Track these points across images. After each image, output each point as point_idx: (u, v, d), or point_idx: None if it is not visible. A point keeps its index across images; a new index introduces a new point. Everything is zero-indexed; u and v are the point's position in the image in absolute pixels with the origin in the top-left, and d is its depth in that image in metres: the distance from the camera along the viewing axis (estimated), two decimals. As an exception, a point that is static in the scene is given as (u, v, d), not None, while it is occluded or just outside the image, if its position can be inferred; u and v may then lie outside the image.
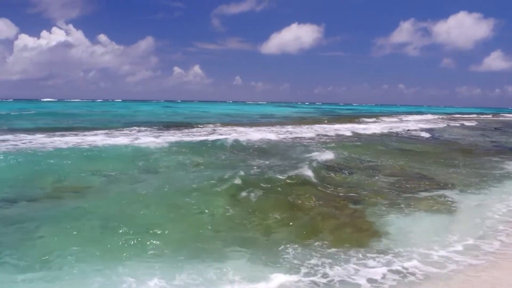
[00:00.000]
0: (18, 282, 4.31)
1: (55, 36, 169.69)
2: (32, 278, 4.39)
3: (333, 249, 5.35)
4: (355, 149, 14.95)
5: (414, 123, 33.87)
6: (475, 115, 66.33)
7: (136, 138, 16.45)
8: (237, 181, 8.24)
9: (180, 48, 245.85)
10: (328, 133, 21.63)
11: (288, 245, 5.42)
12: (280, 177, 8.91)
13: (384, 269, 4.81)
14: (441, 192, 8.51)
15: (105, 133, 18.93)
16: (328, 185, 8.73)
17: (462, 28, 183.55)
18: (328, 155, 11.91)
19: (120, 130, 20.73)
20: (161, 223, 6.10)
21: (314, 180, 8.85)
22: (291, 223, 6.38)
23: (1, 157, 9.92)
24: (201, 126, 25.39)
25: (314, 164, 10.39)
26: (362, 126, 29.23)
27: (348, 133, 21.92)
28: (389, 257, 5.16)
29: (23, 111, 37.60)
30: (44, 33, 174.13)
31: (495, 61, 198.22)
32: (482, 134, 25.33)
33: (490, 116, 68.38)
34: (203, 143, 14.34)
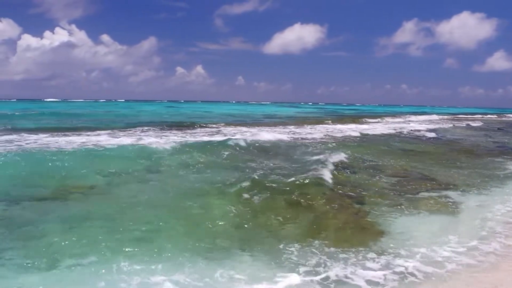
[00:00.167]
0: (22, 280, 4.34)
1: (58, 36, 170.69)
2: (36, 276, 4.42)
3: (336, 249, 5.37)
4: (362, 150, 14.95)
5: (419, 124, 33.74)
6: (480, 116, 66.03)
7: (140, 139, 16.47)
8: (244, 181, 8.29)
9: (182, 48, 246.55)
10: (335, 134, 21.62)
11: (291, 245, 5.45)
12: (288, 178, 8.98)
13: (385, 269, 4.83)
14: (444, 192, 8.52)
15: (109, 133, 18.99)
16: (335, 185, 8.77)
17: (465, 28, 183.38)
18: (337, 156, 11.88)
19: (125, 130, 20.77)
20: (166, 223, 6.14)
21: (322, 180, 8.84)
22: (295, 223, 6.42)
23: (6, 157, 9.99)
24: (207, 126, 25.40)
25: (323, 165, 10.39)
26: (367, 126, 29.20)
27: (356, 134, 21.92)
28: (390, 257, 5.17)
29: (27, 111, 37.75)
30: (47, 33, 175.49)
31: (498, 61, 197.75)
32: (487, 135, 25.24)
33: (495, 116, 68.09)
34: (210, 143, 14.25)
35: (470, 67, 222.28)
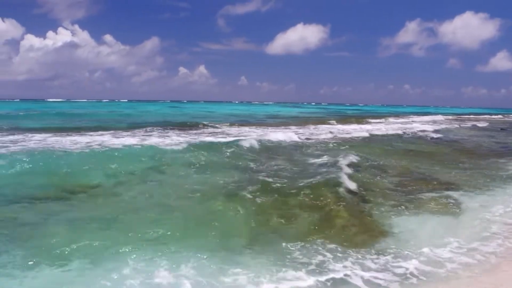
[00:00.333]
0: (28, 279, 4.38)
1: (61, 36, 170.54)
2: (41, 273, 4.47)
3: (339, 248, 5.39)
4: (369, 150, 14.93)
5: (423, 124, 33.52)
6: (485, 116, 65.72)
7: (145, 139, 16.41)
8: (252, 182, 8.34)
9: (185, 48, 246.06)
10: (341, 135, 21.52)
11: (294, 244, 5.49)
12: (296, 179, 9.03)
13: (387, 269, 4.85)
14: (446, 193, 8.49)
15: (113, 133, 18.93)
16: (342, 186, 8.67)
17: (468, 28, 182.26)
18: (347, 158, 11.84)
19: (129, 131, 20.74)
20: (174, 222, 6.20)
21: (329, 181, 8.82)
22: (300, 223, 6.45)
23: (11, 157, 9.98)
24: (212, 127, 25.38)
25: (332, 167, 10.45)
26: (372, 127, 29.09)
27: (362, 134, 21.87)
28: (392, 257, 5.19)
29: (31, 111, 37.80)
30: (50, 33, 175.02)
31: (501, 61, 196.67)
32: (492, 135, 25.02)
33: (499, 116, 67.74)
34: (217, 144, 14.09)
35: (473, 67, 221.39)
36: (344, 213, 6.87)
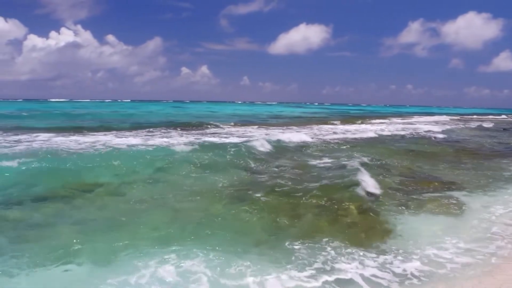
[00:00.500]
0: (35, 277, 4.41)
1: (64, 36, 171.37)
2: (49, 273, 4.50)
3: (340, 247, 5.40)
4: (377, 151, 14.84)
5: (428, 125, 33.38)
6: (491, 116, 65.47)
7: (148, 139, 16.35)
8: (261, 183, 8.41)
9: (188, 48, 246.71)
10: (347, 135, 21.51)
11: (298, 243, 5.50)
12: (304, 179, 9.09)
13: (389, 269, 4.87)
14: (450, 193, 8.48)
15: (117, 134, 18.87)
16: (347, 186, 8.67)
17: (471, 28, 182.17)
18: (356, 159, 11.78)
19: (132, 131, 20.74)
20: (179, 222, 6.23)
21: (336, 183, 8.83)
22: (305, 222, 6.44)
23: (17, 157, 9.93)
24: (218, 127, 25.37)
25: (340, 168, 10.42)
26: (379, 127, 29.08)
27: (371, 135, 21.95)
28: (395, 257, 5.20)
29: (34, 111, 37.81)
30: (52, 33, 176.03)
31: (504, 61, 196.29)
32: (499, 136, 24.81)
33: (503, 116, 67.41)
34: (226, 145, 13.90)
35: (476, 68, 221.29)
36: (350, 213, 6.90)
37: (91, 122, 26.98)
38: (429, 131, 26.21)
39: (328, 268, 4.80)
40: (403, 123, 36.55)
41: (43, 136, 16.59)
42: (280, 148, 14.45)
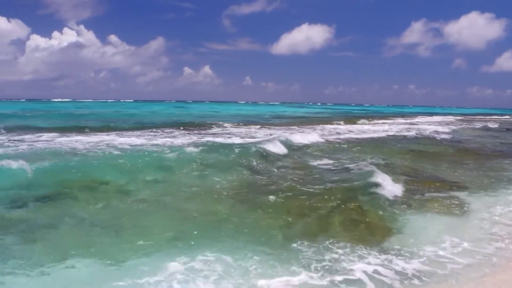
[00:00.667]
0: (40, 276, 4.41)
1: (67, 36, 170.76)
2: (55, 273, 4.49)
3: (343, 246, 5.42)
4: (388, 151, 14.82)
5: (432, 125, 33.23)
6: (495, 117, 65.15)
7: (151, 139, 16.20)
8: (269, 184, 8.46)
9: (190, 48, 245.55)
10: (352, 136, 21.39)
11: (301, 243, 5.51)
12: (312, 180, 9.12)
13: (390, 267, 4.88)
14: (452, 193, 8.48)
15: (121, 134, 18.79)
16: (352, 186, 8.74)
17: (474, 28, 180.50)
18: (363, 160, 11.74)
19: (135, 131, 20.60)
20: (187, 222, 6.27)
21: (343, 184, 8.89)
22: (306, 221, 6.48)
23: (19, 157, 9.85)
24: (222, 126, 25.23)
25: (346, 170, 10.42)
26: (384, 127, 29.04)
27: (373, 135, 21.89)
28: (396, 256, 5.20)
29: (37, 111, 37.85)
30: (55, 33, 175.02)
31: (507, 61, 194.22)
32: (506, 136, 24.62)
33: (507, 117, 66.99)
34: (234, 146, 13.66)
35: (479, 68, 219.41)
36: (352, 212, 6.93)
37: (94, 122, 26.92)
38: (436, 131, 26.07)
39: (327, 267, 4.82)
40: (408, 124, 36.43)
41: (47, 136, 16.56)
42: (290, 149, 14.31)
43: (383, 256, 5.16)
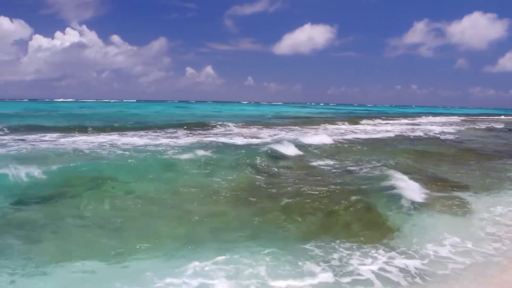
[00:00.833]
0: (44, 277, 4.39)
1: (69, 36, 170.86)
2: (59, 273, 4.49)
3: (345, 246, 5.44)
4: (389, 151, 14.82)
5: (434, 126, 33.13)
6: (500, 117, 64.90)
7: (154, 139, 16.11)
8: (274, 186, 8.48)
9: (192, 48, 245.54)
10: (357, 136, 21.29)
11: (304, 242, 5.53)
12: (318, 180, 9.14)
13: (392, 267, 4.89)
14: (455, 193, 8.51)
15: (125, 134, 18.73)
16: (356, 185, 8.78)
17: (477, 28, 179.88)
18: (367, 162, 11.74)
19: (138, 131, 20.52)
20: (190, 222, 6.26)
21: (344, 182, 8.99)
22: (310, 221, 6.49)
23: (22, 157, 10.06)
24: (226, 126, 25.04)
25: (349, 173, 10.38)
26: (389, 128, 29.00)
27: (385, 135, 21.96)
28: (398, 255, 5.22)
29: (40, 112, 37.85)
30: (58, 33, 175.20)
31: (509, 61, 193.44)
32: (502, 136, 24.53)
33: (511, 117, 66.67)
34: (242, 147, 13.70)
35: (482, 68, 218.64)
36: (354, 211, 6.93)
37: (97, 122, 26.84)
38: (443, 132, 26.04)
39: (329, 266, 4.84)
40: (413, 124, 36.39)
41: (50, 136, 16.50)
42: (300, 150, 14.14)
43: (385, 255, 5.19)
